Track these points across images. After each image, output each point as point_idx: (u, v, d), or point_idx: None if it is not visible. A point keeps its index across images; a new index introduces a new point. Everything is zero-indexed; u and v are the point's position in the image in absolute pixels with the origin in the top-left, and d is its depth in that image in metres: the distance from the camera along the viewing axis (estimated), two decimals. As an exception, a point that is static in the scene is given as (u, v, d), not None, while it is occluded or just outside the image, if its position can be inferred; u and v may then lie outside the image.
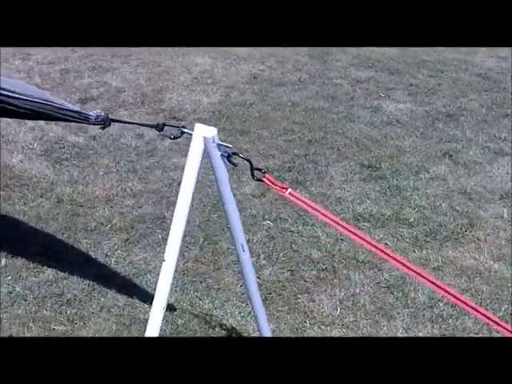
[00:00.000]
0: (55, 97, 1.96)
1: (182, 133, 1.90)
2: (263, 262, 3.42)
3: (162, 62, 6.69)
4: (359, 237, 1.46)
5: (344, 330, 2.94)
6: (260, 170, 1.79)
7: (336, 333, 2.91)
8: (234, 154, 1.79)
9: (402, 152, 4.85)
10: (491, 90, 6.23)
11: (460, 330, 2.93)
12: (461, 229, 3.78)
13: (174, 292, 3.12)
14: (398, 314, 3.06)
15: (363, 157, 4.72)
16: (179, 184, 4.28)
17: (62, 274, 3.24)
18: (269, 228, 3.73)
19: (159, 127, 1.92)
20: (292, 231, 3.71)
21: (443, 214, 3.94)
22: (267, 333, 2.42)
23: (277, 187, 1.67)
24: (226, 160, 1.81)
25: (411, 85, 6.32)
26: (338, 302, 3.13)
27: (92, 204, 3.92)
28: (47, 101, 1.89)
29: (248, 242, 3.50)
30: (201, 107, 5.57)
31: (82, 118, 1.91)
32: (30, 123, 4.96)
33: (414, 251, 3.52)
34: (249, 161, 1.78)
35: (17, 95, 1.88)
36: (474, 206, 4.07)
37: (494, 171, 4.57)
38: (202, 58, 6.86)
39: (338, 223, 1.54)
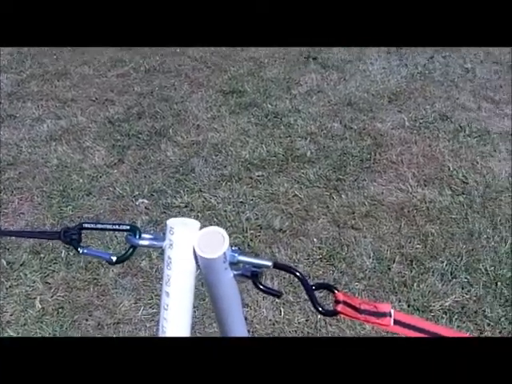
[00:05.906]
0: None
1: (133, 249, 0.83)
2: None
3: None
4: None
5: None
6: (331, 287, 0.78)
7: None
8: (273, 265, 0.77)
9: (260, 65, 4.06)
10: None
11: None
12: (369, 153, 3.16)
13: None
14: None
15: (220, 80, 3.86)
16: None
17: None
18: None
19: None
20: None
21: (340, 138, 3.29)
22: None
23: (377, 321, 0.71)
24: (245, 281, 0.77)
25: None
26: None
27: None
28: None
29: None
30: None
31: None
32: None
33: (333, 197, 2.84)
34: (299, 276, 0.78)
35: None
36: (368, 118, 3.46)
37: (370, 68, 3.97)
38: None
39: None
